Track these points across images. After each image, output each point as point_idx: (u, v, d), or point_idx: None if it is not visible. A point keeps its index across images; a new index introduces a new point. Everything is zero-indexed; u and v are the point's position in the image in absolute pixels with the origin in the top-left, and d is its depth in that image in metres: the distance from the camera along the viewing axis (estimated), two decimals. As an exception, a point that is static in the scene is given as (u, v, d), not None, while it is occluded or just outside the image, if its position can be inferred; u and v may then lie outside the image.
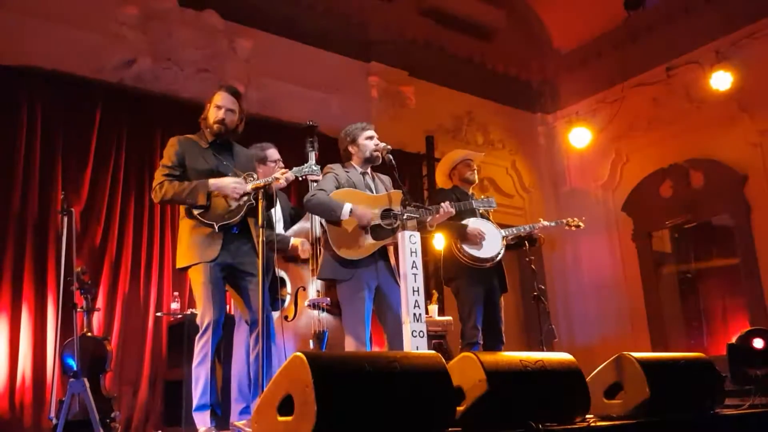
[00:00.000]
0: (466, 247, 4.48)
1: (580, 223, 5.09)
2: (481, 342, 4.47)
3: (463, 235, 4.48)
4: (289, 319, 4.37)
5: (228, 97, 3.66)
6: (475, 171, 4.84)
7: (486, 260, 4.50)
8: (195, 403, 3.43)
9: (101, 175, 5.75)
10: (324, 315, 4.32)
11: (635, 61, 8.38)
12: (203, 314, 3.44)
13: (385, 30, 8.00)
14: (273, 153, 4.42)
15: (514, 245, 4.94)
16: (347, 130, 3.97)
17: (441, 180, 4.99)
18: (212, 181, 3.49)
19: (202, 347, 3.42)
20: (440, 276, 4.89)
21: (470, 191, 4.80)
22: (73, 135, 5.70)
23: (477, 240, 4.45)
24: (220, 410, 3.50)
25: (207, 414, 3.42)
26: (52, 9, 5.85)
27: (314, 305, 4.33)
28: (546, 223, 4.97)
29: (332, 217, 3.69)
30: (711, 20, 7.68)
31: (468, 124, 8.77)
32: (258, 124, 5.83)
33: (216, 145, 3.67)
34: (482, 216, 4.70)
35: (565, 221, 5.12)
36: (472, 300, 4.50)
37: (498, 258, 4.55)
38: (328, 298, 4.31)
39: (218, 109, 3.62)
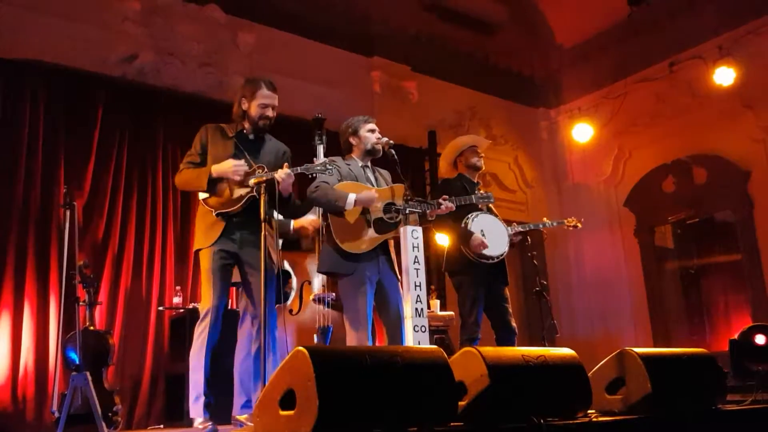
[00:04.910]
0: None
1: (578, 224, 5.00)
2: (480, 337, 4.47)
3: (466, 239, 4.45)
4: (293, 313, 4.36)
5: (274, 95, 3.69)
6: (482, 158, 4.83)
7: (492, 257, 4.49)
8: (191, 392, 3.45)
9: (103, 169, 5.76)
10: (329, 310, 4.31)
11: (638, 57, 8.36)
12: (203, 301, 3.52)
13: (387, 25, 7.99)
14: None
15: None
16: (349, 122, 3.95)
17: (445, 168, 4.95)
18: (214, 167, 3.54)
19: (199, 334, 3.47)
20: (442, 271, 4.87)
21: (476, 179, 4.75)
22: (76, 129, 5.70)
23: (479, 250, 4.43)
24: (212, 399, 3.47)
25: (200, 404, 3.42)
26: (55, 3, 5.85)
27: (319, 300, 4.32)
28: (548, 222, 4.95)
29: (336, 209, 3.64)
30: (714, 16, 7.66)
31: (470, 119, 8.75)
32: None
33: (241, 135, 3.69)
34: (489, 210, 4.68)
35: (565, 221, 5.04)
36: (473, 296, 4.48)
37: (503, 256, 4.56)
38: (334, 294, 4.29)
39: (265, 107, 3.66)
